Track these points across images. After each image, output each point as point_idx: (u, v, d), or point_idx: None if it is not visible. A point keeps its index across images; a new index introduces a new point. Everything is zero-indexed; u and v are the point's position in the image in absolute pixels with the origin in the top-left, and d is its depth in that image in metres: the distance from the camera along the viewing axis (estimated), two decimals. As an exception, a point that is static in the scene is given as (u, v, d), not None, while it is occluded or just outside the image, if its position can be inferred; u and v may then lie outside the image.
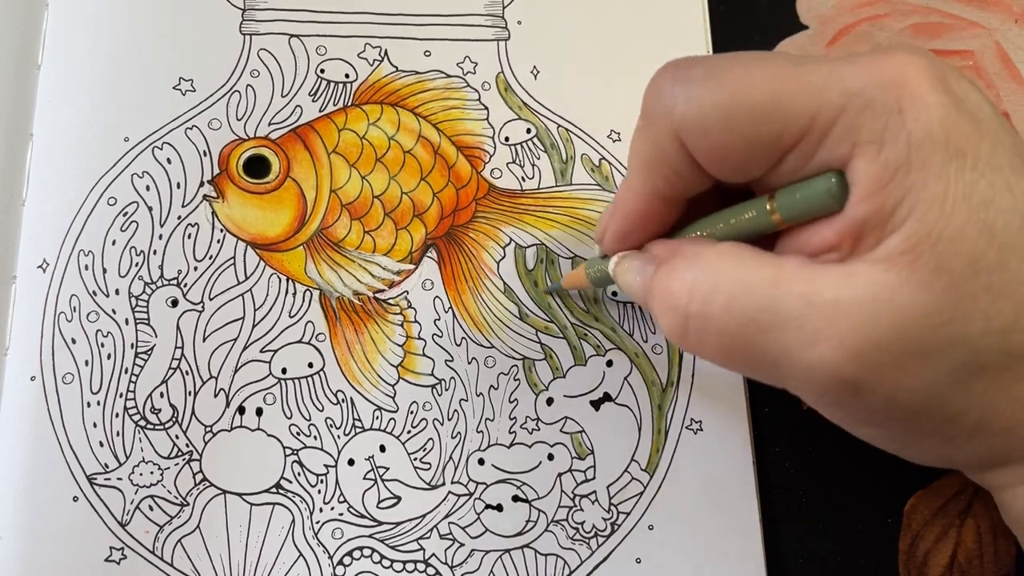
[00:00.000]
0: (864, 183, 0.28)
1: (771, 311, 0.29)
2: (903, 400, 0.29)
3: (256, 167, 0.43)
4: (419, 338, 0.42)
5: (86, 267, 0.41)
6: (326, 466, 0.40)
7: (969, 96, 0.28)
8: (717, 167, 0.31)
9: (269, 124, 0.43)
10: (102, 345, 0.40)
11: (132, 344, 0.40)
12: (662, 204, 0.34)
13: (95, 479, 0.39)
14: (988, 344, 0.28)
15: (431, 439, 0.40)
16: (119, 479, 0.39)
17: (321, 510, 0.39)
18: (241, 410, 0.40)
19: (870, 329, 0.27)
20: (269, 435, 0.40)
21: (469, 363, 0.41)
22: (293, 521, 0.39)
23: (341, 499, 0.39)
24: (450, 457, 0.40)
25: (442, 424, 0.41)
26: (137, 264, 0.41)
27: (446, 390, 0.41)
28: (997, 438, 0.30)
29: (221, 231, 0.42)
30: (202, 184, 0.42)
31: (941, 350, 0.28)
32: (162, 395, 0.40)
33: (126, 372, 0.40)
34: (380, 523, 0.39)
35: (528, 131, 0.45)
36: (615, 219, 0.35)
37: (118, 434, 0.39)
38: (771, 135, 0.29)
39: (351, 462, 0.40)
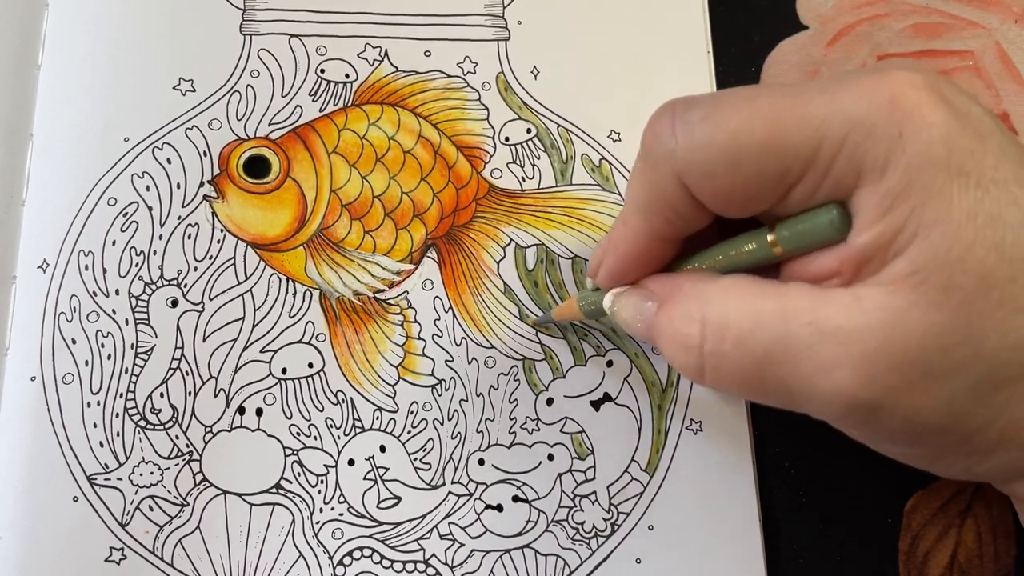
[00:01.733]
0: (866, 212, 0.28)
1: (782, 343, 0.29)
2: (923, 419, 0.29)
3: (256, 167, 0.43)
4: (419, 338, 0.42)
5: (86, 267, 0.41)
6: (326, 466, 0.40)
7: (971, 110, 0.28)
8: (721, 205, 0.31)
9: (269, 124, 0.43)
10: (102, 345, 0.40)
11: (132, 344, 0.40)
12: (661, 244, 0.34)
13: (95, 479, 0.39)
14: (1004, 359, 0.28)
15: (431, 439, 0.40)
16: (119, 479, 0.39)
17: (321, 510, 0.39)
18: (241, 410, 0.40)
19: (882, 352, 0.27)
20: (269, 435, 0.40)
21: (469, 363, 0.41)
22: (293, 521, 0.39)
23: (341, 499, 0.39)
24: (450, 457, 0.40)
25: (442, 424, 0.41)
26: (137, 264, 0.41)
27: (446, 390, 0.41)
28: (1021, 450, 0.30)
29: (221, 231, 0.42)
30: (202, 184, 0.42)
31: (957, 368, 0.28)
32: (162, 395, 0.40)
33: (126, 372, 0.40)
34: (380, 523, 0.39)
35: (528, 131, 0.45)
36: (610, 257, 0.35)
37: (118, 434, 0.39)
38: (776, 172, 0.29)
39: (351, 462, 0.40)
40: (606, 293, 0.36)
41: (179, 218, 0.42)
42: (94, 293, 0.40)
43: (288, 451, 0.40)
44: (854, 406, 0.28)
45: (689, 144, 0.30)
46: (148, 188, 0.42)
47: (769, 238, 0.30)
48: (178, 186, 0.42)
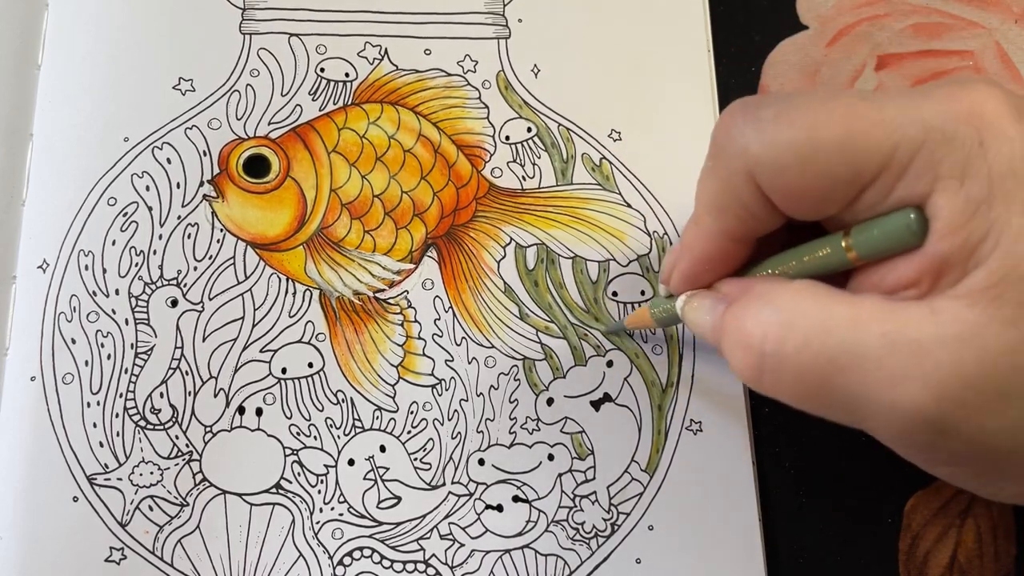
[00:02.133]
0: (946, 218, 0.27)
1: (850, 351, 0.28)
2: (988, 441, 0.28)
3: (256, 167, 0.43)
4: (419, 338, 0.42)
5: (86, 267, 0.41)
6: (326, 466, 0.40)
7: None
8: (793, 205, 0.31)
9: (269, 123, 0.43)
10: (102, 345, 0.40)
11: (132, 344, 0.40)
12: (732, 244, 0.33)
13: (95, 479, 0.39)
14: None
15: (431, 439, 0.40)
16: (119, 479, 0.39)
17: (321, 510, 0.39)
18: (241, 410, 0.40)
19: (956, 368, 0.27)
20: (269, 435, 0.40)
21: (469, 363, 0.41)
22: (293, 521, 0.39)
23: (341, 499, 0.39)
24: (450, 457, 0.40)
25: (442, 424, 0.41)
26: (137, 264, 0.41)
27: (446, 390, 0.41)
28: None
29: (221, 231, 0.42)
30: (202, 184, 0.42)
31: None
32: (162, 395, 0.40)
33: (126, 372, 0.40)
34: (380, 523, 0.39)
35: (529, 130, 0.45)
36: (683, 259, 0.35)
37: (118, 434, 0.39)
38: (849, 172, 0.28)
39: (351, 462, 0.40)
40: (675, 299, 0.36)
41: (179, 218, 0.42)
42: (94, 293, 0.40)
43: (288, 451, 0.40)
44: (919, 422, 0.27)
45: (761, 140, 0.30)
46: (148, 188, 0.42)
47: (844, 243, 0.30)
48: (178, 186, 0.42)
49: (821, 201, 0.30)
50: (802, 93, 0.30)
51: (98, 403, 0.39)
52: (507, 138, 0.44)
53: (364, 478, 0.40)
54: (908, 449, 0.31)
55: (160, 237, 0.41)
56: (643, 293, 0.42)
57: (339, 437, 0.40)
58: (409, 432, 0.40)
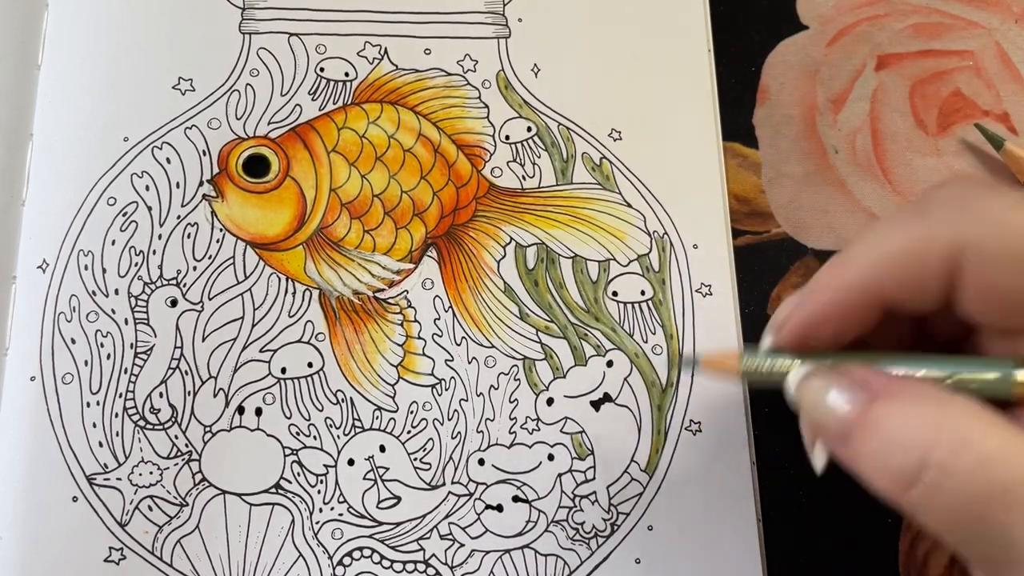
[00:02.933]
0: None
1: None
2: None
3: (256, 166, 0.43)
4: (419, 338, 0.41)
5: (86, 267, 0.41)
6: (326, 466, 0.40)
7: None
8: (977, 305, 0.27)
9: (269, 123, 0.43)
10: (102, 345, 0.40)
11: (132, 344, 0.40)
12: (871, 309, 0.29)
13: (95, 479, 0.39)
14: None
15: (431, 439, 0.40)
16: (119, 479, 0.39)
17: (321, 510, 0.39)
18: (240, 410, 0.40)
19: None
20: (268, 435, 0.40)
21: (469, 363, 0.41)
22: (293, 521, 0.39)
23: (341, 499, 0.39)
24: (450, 457, 0.40)
25: (442, 424, 0.41)
26: (137, 264, 0.41)
27: (446, 390, 0.41)
28: None
29: (220, 231, 0.42)
30: (201, 183, 0.42)
31: None
32: (161, 395, 0.40)
33: (125, 372, 0.40)
34: (380, 523, 0.39)
35: (528, 129, 0.44)
36: (811, 304, 0.30)
37: (117, 434, 0.39)
38: None
39: (351, 462, 0.40)
40: (780, 359, 0.30)
41: (178, 218, 0.42)
42: (94, 293, 0.40)
43: (288, 451, 0.40)
44: None
45: (994, 221, 0.26)
46: (148, 188, 0.42)
47: (1018, 375, 0.27)
48: (177, 185, 0.42)
49: (1014, 314, 0.27)
50: None
51: (98, 403, 0.39)
52: (507, 138, 0.44)
53: (364, 478, 0.40)
54: None
55: (160, 237, 0.41)
56: (643, 293, 0.42)
57: (339, 437, 0.40)
58: (409, 432, 0.40)
